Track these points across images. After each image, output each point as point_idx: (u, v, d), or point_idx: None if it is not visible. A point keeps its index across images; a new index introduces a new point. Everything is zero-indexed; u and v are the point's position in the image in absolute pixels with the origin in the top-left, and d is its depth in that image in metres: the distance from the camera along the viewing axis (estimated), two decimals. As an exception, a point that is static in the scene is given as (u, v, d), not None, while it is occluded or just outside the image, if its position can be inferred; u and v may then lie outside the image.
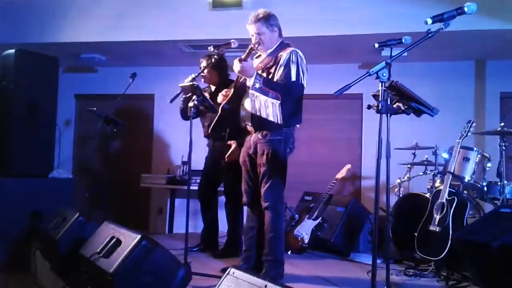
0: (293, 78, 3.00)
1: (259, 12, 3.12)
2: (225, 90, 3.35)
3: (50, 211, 3.62)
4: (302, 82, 3.05)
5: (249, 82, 2.94)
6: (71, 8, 5.36)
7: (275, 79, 3.02)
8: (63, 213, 3.37)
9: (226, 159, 3.74)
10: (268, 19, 3.10)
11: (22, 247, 3.78)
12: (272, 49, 3.14)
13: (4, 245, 3.77)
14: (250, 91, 2.92)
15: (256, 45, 3.08)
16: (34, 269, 3.51)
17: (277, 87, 2.95)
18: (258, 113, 2.94)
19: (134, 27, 5.18)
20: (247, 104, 3.06)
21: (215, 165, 4.02)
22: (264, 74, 3.09)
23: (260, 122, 3.02)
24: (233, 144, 3.73)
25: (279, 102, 2.90)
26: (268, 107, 2.90)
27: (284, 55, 3.05)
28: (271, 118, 2.91)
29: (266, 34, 3.10)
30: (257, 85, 2.89)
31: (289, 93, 2.98)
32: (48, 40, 5.34)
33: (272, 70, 3.08)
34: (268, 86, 2.91)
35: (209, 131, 3.61)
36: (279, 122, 2.92)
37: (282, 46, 3.15)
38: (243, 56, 2.93)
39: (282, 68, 3.01)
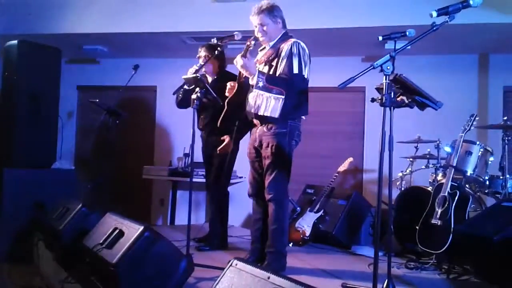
0: (295, 70, 2.98)
1: (263, 3, 3.12)
2: (230, 82, 3.33)
3: (53, 202, 3.65)
4: (304, 74, 3.02)
5: (252, 81, 2.92)
6: (73, -1, 5.35)
7: (277, 73, 3.01)
8: (66, 204, 3.38)
9: (218, 152, 3.73)
10: (271, 11, 3.10)
11: (25, 238, 3.80)
12: (275, 41, 3.13)
13: (7, 235, 3.79)
14: (254, 90, 2.93)
15: (253, 42, 3.06)
16: (37, 260, 3.53)
17: (281, 83, 2.94)
18: (257, 111, 2.95)
19: (136, 18, 5.17)
20: (251, 99, 3.06)
21: (209, 158, 4.01)
22: (267, 67, 3.09)
23: (263, 116, 3.02)
24: (226, 138, 3.72)
25: (283, 97, 2.90)
26: (270, 104, 2.90)
27: (285, 47, 3.03)
28: (268, 114, 2.91)
29: (270, 25, 3.10)
30: (261, 84, 2.88)
31: (292, 86, 2.97)
32: (51, 31, 5.33)
33: (274, 63, 3.07)
34: (272, 83, 2.91)
35: (218, 125, 3.61)
36: (276, 116, 2.91)
37: (284, 38, 3.13)
38: (242, 53, 2.95)
39: (284, 60, 2.99)
